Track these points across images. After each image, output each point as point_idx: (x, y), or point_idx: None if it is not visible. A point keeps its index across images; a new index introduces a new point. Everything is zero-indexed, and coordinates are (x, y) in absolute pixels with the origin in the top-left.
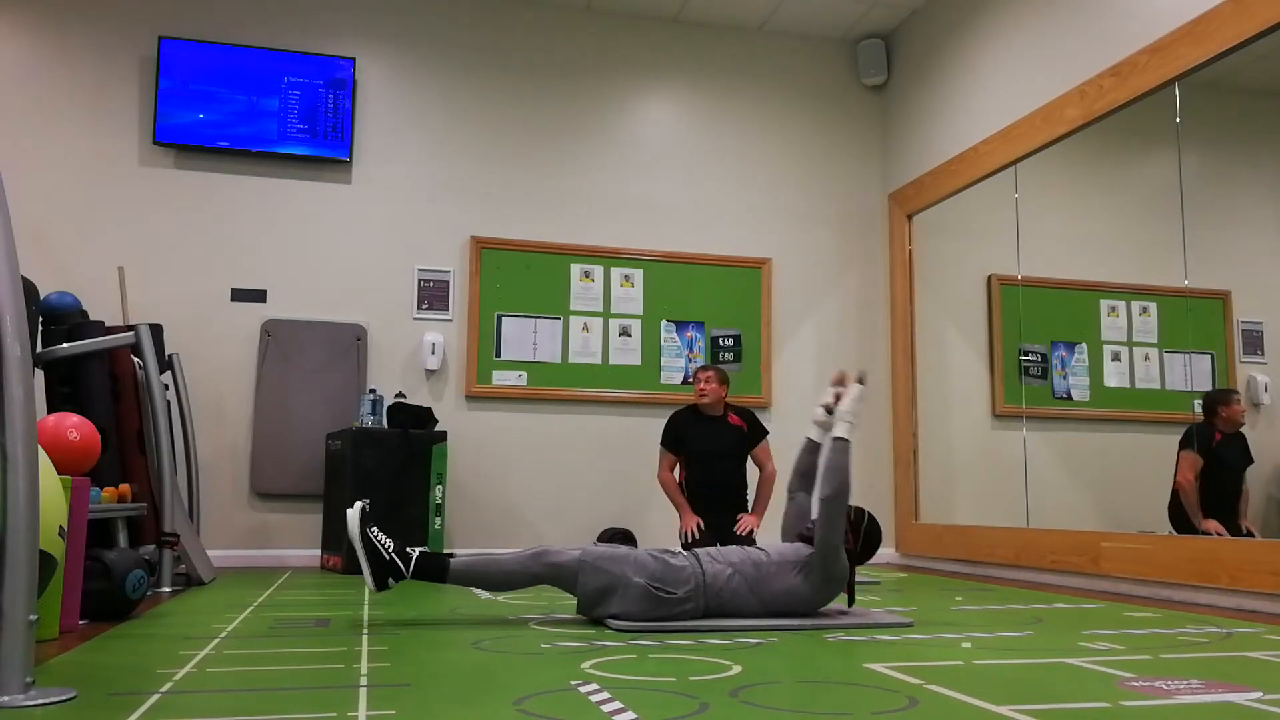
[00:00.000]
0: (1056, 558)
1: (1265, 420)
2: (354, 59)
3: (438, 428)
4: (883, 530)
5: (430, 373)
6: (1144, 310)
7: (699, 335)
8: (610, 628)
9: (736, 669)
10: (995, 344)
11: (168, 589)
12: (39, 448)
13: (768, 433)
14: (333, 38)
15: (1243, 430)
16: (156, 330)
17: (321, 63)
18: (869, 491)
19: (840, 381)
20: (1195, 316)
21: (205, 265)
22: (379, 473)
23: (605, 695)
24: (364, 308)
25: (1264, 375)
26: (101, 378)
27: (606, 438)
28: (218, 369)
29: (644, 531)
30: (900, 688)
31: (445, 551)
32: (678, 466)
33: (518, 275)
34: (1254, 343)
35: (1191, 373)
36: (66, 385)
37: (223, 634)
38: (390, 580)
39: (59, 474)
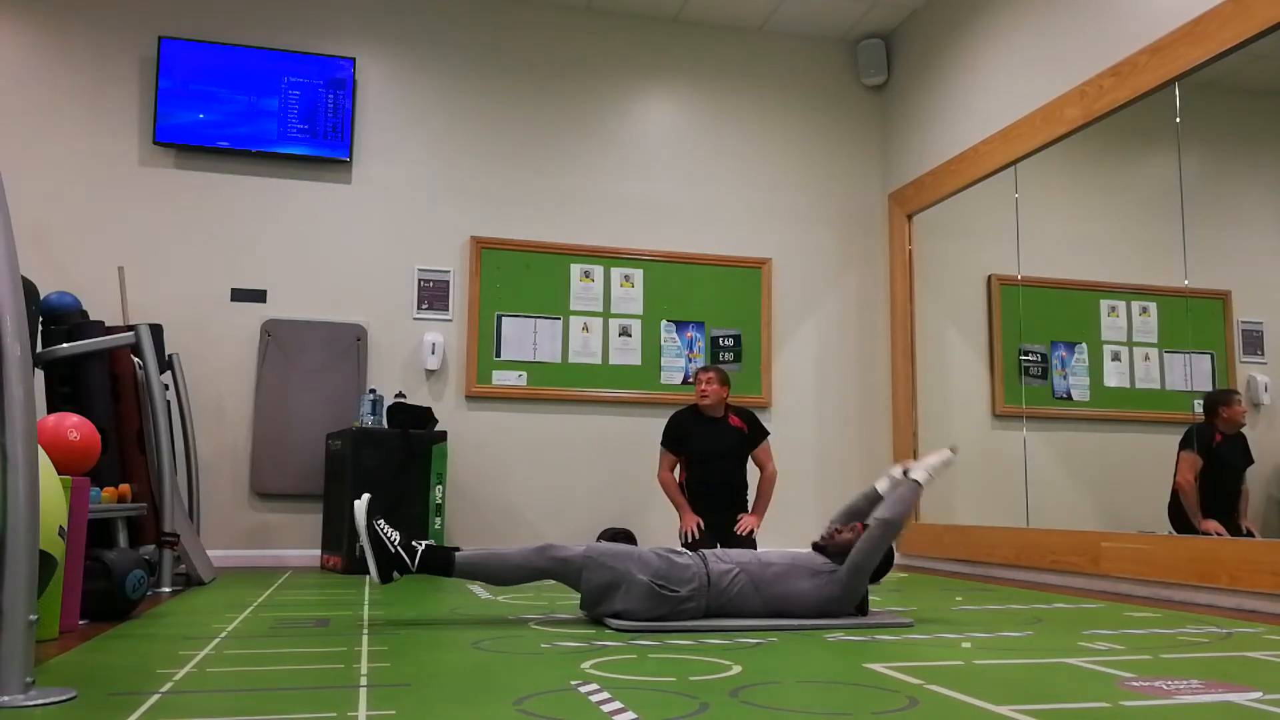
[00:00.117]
0: (1056, 558)
1: (1265, 420)
2: (354, 59)
3: (438, 428)
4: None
5: (430, 373)
6: (1144, 310)
7: (699, 335)
8: (610, 627)
9: (736, 669)
10: (995, 344)
11: (168, 589)
12: (39, 448)
13: (768, 433)
14: (333, 38)
15: (1243, 430)
16: (156, 330)
17: (321, 63)
18: None
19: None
20: (1195, 316)
21: (205, 265)
22: (379, 473)
23: (605, 695)
24: (364, 308)
25: (1264, 375)
26: (101, 378)
27: (606, 438)
28: (218, 369)
29: (644, 531)
30: (900, 688)
31: (450, 546)
32: (678, 467)
33: (518, 275)
34: (1254, 343)
35: (1191, 373)
36: (66, 385)
37: (223, 634)
38: (395, 573)
39: (59, 474)
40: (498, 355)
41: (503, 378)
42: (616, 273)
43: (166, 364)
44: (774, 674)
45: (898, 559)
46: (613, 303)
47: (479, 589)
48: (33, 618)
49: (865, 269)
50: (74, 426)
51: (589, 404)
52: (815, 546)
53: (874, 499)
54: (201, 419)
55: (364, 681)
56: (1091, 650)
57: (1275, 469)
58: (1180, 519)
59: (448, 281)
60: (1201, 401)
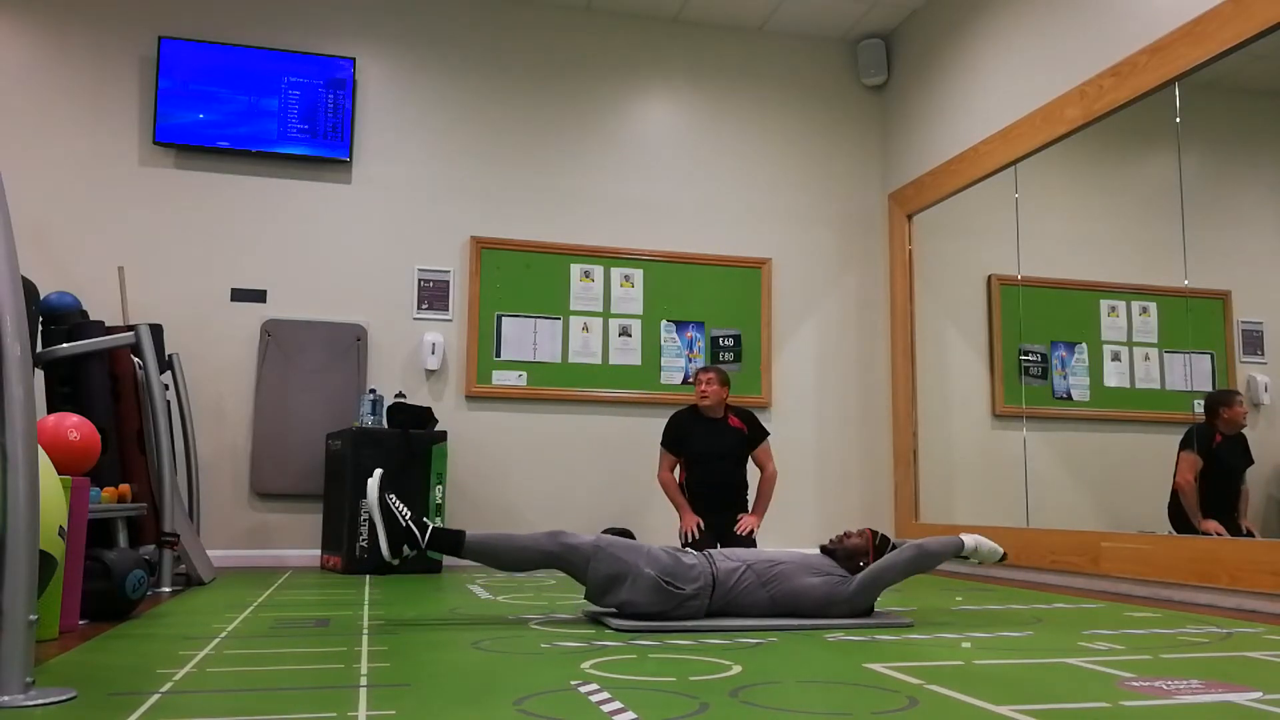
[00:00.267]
0: (1056, 558)
1: (1265, 420)
2: (354, 59)
3: (438, 428)
4: (885, 533)
5: (430, 373)
6: (1144, 310)
7: (699, 335)
8: (611, 627)
9: (736, 669)
10: (995, 344)
11: (168, 589)
12: (39, 448)
13: (768, 434)
14: (333, 38)
15: (1243, 431)
16: (156, 330)
17: (321, 63)
18: (869, 491)
19: None
20: (1195, 316)
21: (205, 265)
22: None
23: (605, 695)
24: (364, 308)
25: (1264, 375)
26: (101, 378)
27: (606, 438)
28: (218, 369)
29: (644, 532)
30: (900, 688)
31: (458, 528)
32: (678, 467)
33: (518, 275)
34: (1254, 343)
35: (1191, 373)
36: (66, 385)
37: (223, 634)
38: (406, 549)
39: (59, 474)
40: (498, 355)
41: (503, 378)
42: (616, 273)
43: (166, 364)
44: (774, 674)
45: None
46: (613, 303)
47: (479, 589)
48: (33, 618)
49: (865, 269)
50: (74, 426)
51: (589, 404)
52: (824, 550)
53: (956, 547)
54: (201, 419)
55: (364, 681)
56: (1091, 650)
57: (1275, 469)
58: (1180, 519)
59: (448, 281)
60: (1202, 402)
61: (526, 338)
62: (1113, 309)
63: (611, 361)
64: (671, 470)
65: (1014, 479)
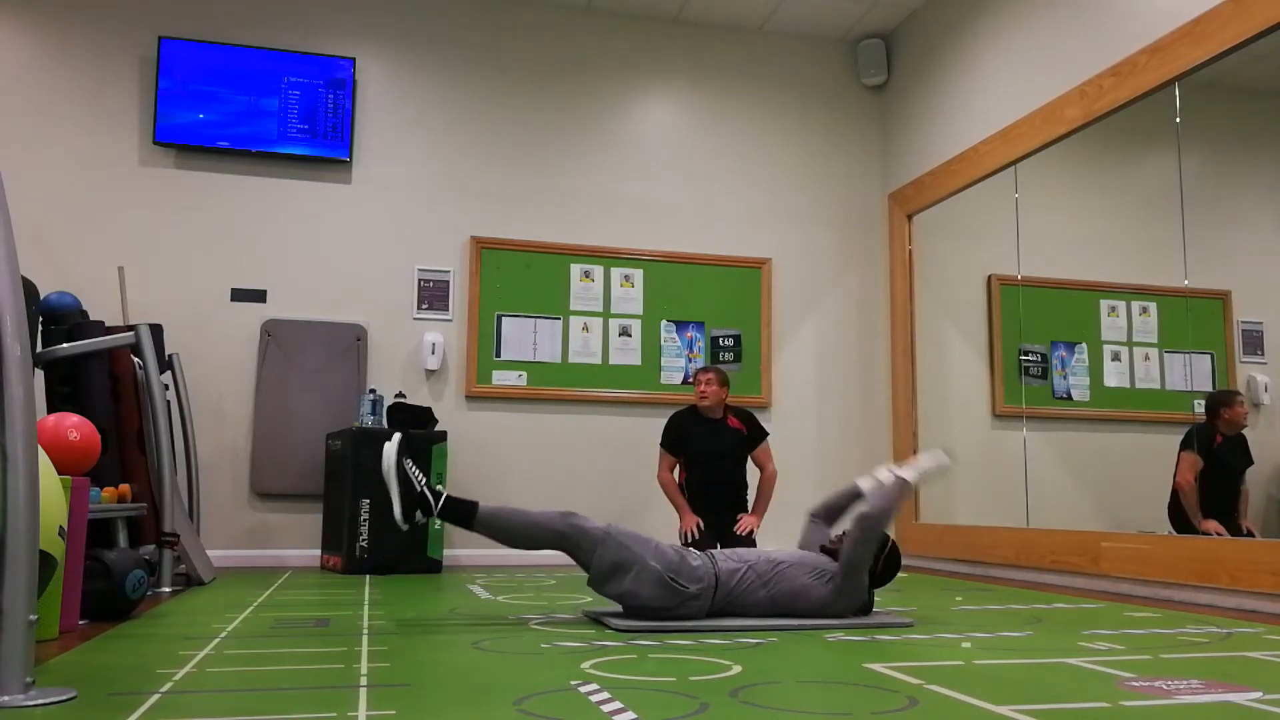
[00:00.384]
0: (1056, 558)
1: (1265, 420)
2: (354, 59)
3: (438, 428)
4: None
5: (430, 373)
6: (1144, 310)
7: (699, 335)
8: (611, 627)
9: (736, 669)
10: (995, 344)
11: (168, 589)
12: (39, 448)
13: (768, 434)
14: (333, 38)
15: (1243, 431)
16: (156, 330)
17: (321, 63)
18: None
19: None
20: (1195, 316)
21: (205, 265)
22: (379, 473)
23: (605, 695)
24: (364, 308)
25: (1264, 375)
26: (101, 378)
27: (606, 438)
28: (218, 369)
29: (643, 531)
30: (900, 688)
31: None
32: (677, 467)
33: (518, 275)
34: (1254, 343)
35: (1191, 373)
36: (66, 385)
37: (223, 634)
38: (418, 514)
39: (59, 474)
40: (498, 355)
41: (503, 378)
42: (616, 273)
43: (166, 364)
44: (774, 674)
45: None
46: (613, 303)
47: (479, 589)
48: (33, 618)
49: (865, 269)
50: (74, 426)
51: (589, 404)
52: (824, 549)
53: (854, 495)
54: (201, 419)
55: (364, 681)
56: (1091, 650)
57: (1275, 469)
58: (1180, 519)
59: (448, 281)
60: (1203, 402)
61: (526, 338)
62: (1113, 309)
63: (611, 361)
64: (671, 470)
65: (1014, 479)
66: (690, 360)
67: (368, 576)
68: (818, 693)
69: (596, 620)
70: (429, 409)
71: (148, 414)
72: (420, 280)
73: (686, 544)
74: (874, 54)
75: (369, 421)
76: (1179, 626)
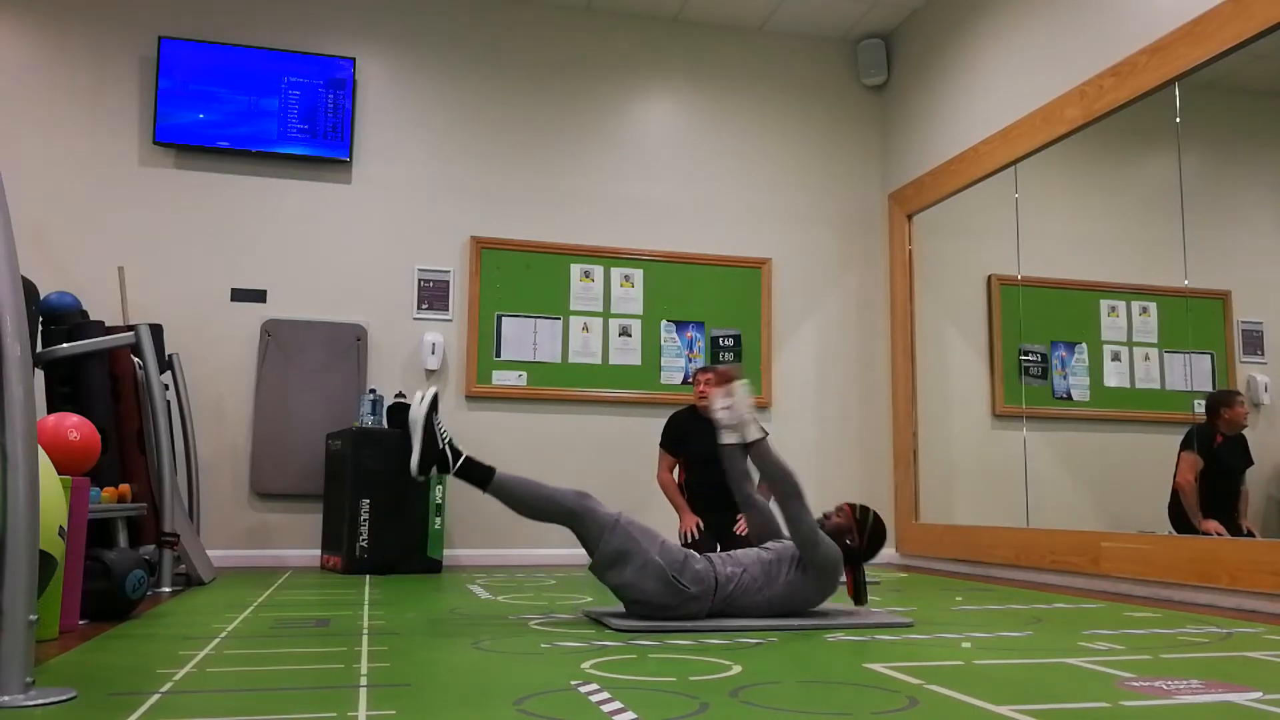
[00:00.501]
0: (1056, 558)
1: (1265, 420)
2: (354, 59)
3: None
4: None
5: (430, 373)
6: (1144, 310)
7: (699, 335)
8: (611, 627)
9: (736, 669)
10: (995, 344)
11: (168, 589)
12: (39, 448)
13: (767, 434)
14: (333, 38)
15: (1243, 431)
16: (156, 330)
17: (321, 63)
18: (870, 491)
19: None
20: (1195, 316)
21: (205, 265)
22: (379, 473)
23: (605, 695)
24: (364, 308)
25: (1264, 375)
26: (101, 378)
27: (606, 438)
28: (218, 369)
29: None
30: (900, 688)
31: (489, 464)
32: (677, 468)
33: (518, 275)
34: (1254, 343)
35: (1191, 373)
36: (66, 385)
37: (223, 634)
38: (434, 468)
39: (59, 474)
40: (498, 355)
41: (503, 378)
42: (616, 273)
43: (166, 364)
44: (774, 674)
45: (899, 559)
46: (613, 303)
47: (479, 589)
48: (33, 618)
49: (865, 269)
50: (74, 426)
51: (589, 404)
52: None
53: (737, 455)
54: (201, 419)
55: (364, 681)
56: (1091, 650)
57: (1275, 469)
58: (1180, 519)
59: (448, 281)
60: (1203, 402)
61: (526, 338)
62: (1113, 309)
63: (611, 361)
64: (671, 471)
65: (1014, 479)
66: (690, 360)
67: (368, 576)
68: (818, 693)
69: (596, 620)
70: None
71: (148, 414)
72: (420, 280)
73: (686, 544)
74: (874, 54)
75: (369, 421)
76: (1179, 626)
